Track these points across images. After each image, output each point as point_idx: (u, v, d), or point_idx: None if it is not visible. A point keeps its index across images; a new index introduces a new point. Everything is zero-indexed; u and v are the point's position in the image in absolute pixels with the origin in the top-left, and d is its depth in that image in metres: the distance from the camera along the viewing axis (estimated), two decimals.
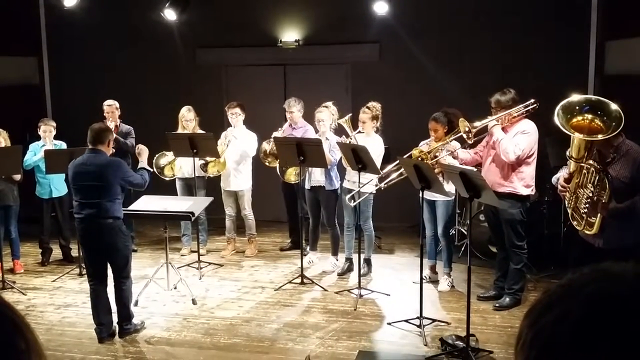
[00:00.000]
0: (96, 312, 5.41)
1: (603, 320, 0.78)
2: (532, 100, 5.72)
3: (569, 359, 0.79)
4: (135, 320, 5.60)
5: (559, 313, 0.81)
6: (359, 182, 6.34)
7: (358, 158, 6.14)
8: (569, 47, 8.27)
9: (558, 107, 4.49)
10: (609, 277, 0.83)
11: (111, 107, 7.84)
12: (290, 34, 9.21)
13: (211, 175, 7.80)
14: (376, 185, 6.50)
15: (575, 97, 4.54)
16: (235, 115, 7.67)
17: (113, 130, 7.65)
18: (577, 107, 4.46)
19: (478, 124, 5.77)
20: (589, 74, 8.27)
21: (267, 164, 7.76)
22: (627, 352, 0.76)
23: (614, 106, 4.41)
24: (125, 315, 5.49)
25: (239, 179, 7.74)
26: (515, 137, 5.71)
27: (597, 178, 4.42)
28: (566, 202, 4.78)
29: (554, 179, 5.01)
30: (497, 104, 5.84)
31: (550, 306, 0.83)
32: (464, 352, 4.98)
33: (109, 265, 5.45)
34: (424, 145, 6.31)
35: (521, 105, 5.75)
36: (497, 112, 5.83)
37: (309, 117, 7.58)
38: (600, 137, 4.33)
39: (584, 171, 4.51)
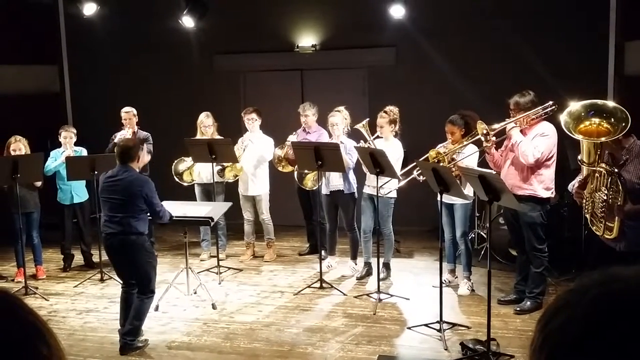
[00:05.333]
0: (123, 315, 5.42)
1: (606, 322, 0.80)
2: (551, 103, 5.67)
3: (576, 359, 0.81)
4: (140, 338, 5.45)
5: (565, 317, 0.84)
6: (377, 185, 6.33)
7: (376, 162, 6.13)
8: (588, 47, 8.20)
9: (563, 114, 4.50)
10: (615, 281, 0.85)
11: (129, 114, 7.92)
12: (307, 39, 9.23)
13: (229, 180, 7.85)
14: (399, 181, 6.45)
15: (578, 103, 4.53)
16: (252, 121, 7.70)
17: (131, 136, 7.76)
18: (583, 113, 4.45)
19: (496, 126, 5.74)
20: (608, 74, 8.19)
21: (280, 168, 7.79)
22: (630, 354, 0.78)
23: (616, 106, 4.41)
24: (136, 329, 5.36)
25: (256, 183, 7.77)
26: (534, 139, 5.67)
27: (609, 181, 4.39)
28: (583, 208, 4.75)
29: (570, 186, 4.98)
30: (516, 106, 5.79)
31: (559, 310, 0.85)
32: (484, 356, 4.95)
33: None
34: (440, 148, 6.28)
35: (540, 108, 5.71)
36: (516, 114, 5.79)
37: (323, 121, 7.59)
38: (604, 138, 4.32)
39: (597, 175, 4.49)
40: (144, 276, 5.32)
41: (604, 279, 0.86)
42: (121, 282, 5.54)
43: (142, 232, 5.31)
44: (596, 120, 4.41)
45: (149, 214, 5.37)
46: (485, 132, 5.65)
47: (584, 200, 4.67)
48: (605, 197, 4.43)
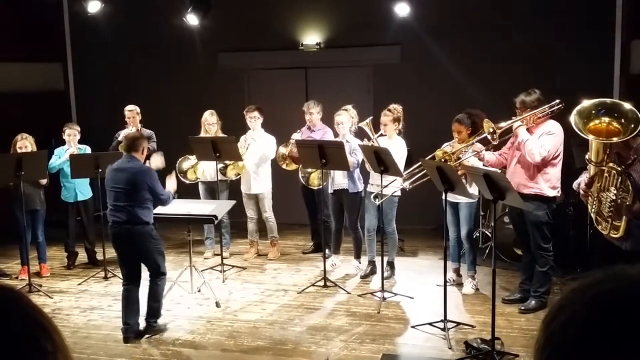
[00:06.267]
0: (125, 312, 5.55)
1: (605, 320, 0.80)
2: (558, 101, 5.65)
3: (577, 358, 0.81)
4: (160, 321, 5.73)
5: (567, 315, 0.84)
6: (382, 184, 6.32)
7: (380, 160, 6.12)
8: (594, 46, 8.17)
9: (573, 113, 4.47)
10: (616, 279, 0.85)
11: (132, 112, 7.94)
12: (312, 37, 9.22)
13: (232, 178, 7.84)
14: (402, 182, 6.44)
15: (588, 102, 4.50)
16: (254, 119, 7.69)
17: None
18: (593, 111, 4.42)
19: (503, 125, 5.72)
20: (614, 73, 8.16)
21: (284, 166, 7.78)
22: (630, 351, 0.78)
23: (627, 106, 4.38)
24: (155, 311, 5.66)
25: (258, 182, 7.76)
26: (541, 137, 5.65)
27: (619, 180, 4.37)
28: (589, 207, 4.72)
29: (574, 185, 4.96)
30: (522, 105, 5.77)
31: (561, 309, 0.86)
32: (489, 355, 4.93)
33: (143, 266, 5.64)
34: (447, 147, 6.26)
35: (546, 106, 5.69)
36: (522, 112, 5.76)
37: (328, 119, 7.58)
38: (615, 139, 4.29)
39: (605, 174, 4.46)
40: (153, 263, 5.57)
41: (606, 277, 0.86)
42: (122, 277, 5.65)
43: (148, 222, 5.48)
44: (606, 119, 4.38)
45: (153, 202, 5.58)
46: (492, 130, 5.63)
47: (590, 199, 4.64)
48: (614, 197, 4.40)
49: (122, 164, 5.49)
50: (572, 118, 4.46)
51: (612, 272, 0.86)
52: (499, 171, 5.43)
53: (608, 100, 4.57)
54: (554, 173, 5.74)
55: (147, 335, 5.57)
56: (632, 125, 4.25)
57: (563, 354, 0.83)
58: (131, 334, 5.53)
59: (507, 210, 6.67)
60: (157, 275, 5.61)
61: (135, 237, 5.42)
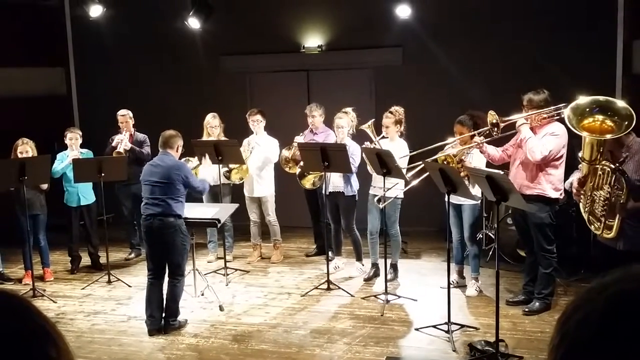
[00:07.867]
0: (149, 304, 5.74)
1: (621, 320, 0.80)
2: (564, 104, 5.62)
3: (592, 357, 0.81)
4: (180, 318, 5.88)
5: (582, 315, 0.84)
6: (384, 187, 6.31)
7: (382, 163, 6.11)
8: (596, 46, 8.15)
9: (567, 110, 4.46)
10: (633, 279, 0.85)
11: (125, 117, 7.95)
12: (313, 40, 9.23)
13: (236, 182, 7.84)
14: (406, 183, 6.43)
15: (583, 99, 4.49)
16: (257, 122, 7.69)
17: (128, 139, 7.77)
18: (587, 109, 4.41)
19: (507, 118, 5.71)
20: (617, 73, 8.14)
21: (287, 169, 7.78)
22: None
23: (620, 103, 4.38)
24: (174, 311, 5.82)
25: (261, 185, 7.76)
26: (544, 138, 5.64)
27: (613, 178, 4.35)
28: (581, 207, 4.70)
29: (567, 184, 4.95)
30: (529, 103, 5.76)
31: (577, 308, 0.86)
32: (493, 357, 4.92)
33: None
34: (449, 149, 6.25)
35: (552, 107, 5.67)
36: (528, 110, 5.76)
37: (330, 122, 7.57)
38: (609, 136, 4.28)
39: (599, 172, 4.44)
40: (176, 258, 5.71)
41: (622, 277, 0.86)
42: (149, 271, 5.80)
43: (180, 215, 5.70)
44: (600, 117, 4.37)
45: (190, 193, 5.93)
46: (495, 122, 5.61)
47: (583, 199, 4.63)
48: (607, 195, 4.39)
49: (157, 160, 5.80)
50: (566, 114, 4.46)
51: (629, 273, 0.86)
52: (502, 173, 5.42)
53: (601, 97, 4.54)
54: (557, 175, 5.73)
55: (166, 334, 5.72)
56: (626, 123, 4.25)
57: (578, 353, 0.83)
58: (155, 326, 5.71)
59: (510, 212, 6.66)
60: (176, 274, 5.75)
61: (166, 228, 5.62)
